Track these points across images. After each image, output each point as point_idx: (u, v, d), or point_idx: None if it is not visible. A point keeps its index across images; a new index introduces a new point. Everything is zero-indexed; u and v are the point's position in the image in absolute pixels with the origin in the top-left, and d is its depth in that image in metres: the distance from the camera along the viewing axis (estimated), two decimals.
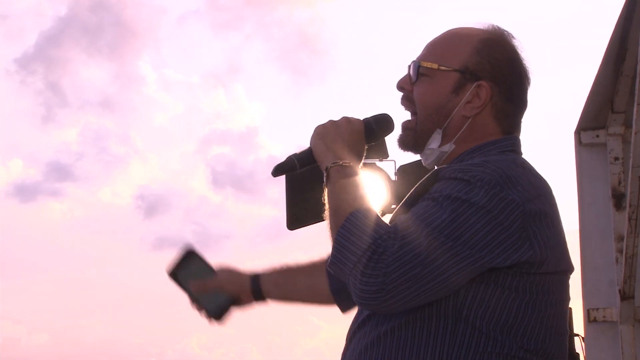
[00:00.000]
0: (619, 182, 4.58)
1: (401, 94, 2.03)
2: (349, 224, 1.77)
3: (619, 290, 4.48)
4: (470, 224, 1.69)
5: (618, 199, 4.58)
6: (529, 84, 1.98)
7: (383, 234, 1.71)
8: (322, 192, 1.95)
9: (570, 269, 1.88)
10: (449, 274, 1.69)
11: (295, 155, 2.06)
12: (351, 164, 1.92)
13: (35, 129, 19.58)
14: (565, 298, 1.87)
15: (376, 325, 1.82)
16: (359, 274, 1.70)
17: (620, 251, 4.50)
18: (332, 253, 1.78)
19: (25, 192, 18.47)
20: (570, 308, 5.35)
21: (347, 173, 1.90)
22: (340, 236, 1.76)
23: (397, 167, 4.45)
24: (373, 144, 2.07)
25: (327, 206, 1.88)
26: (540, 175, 1.87)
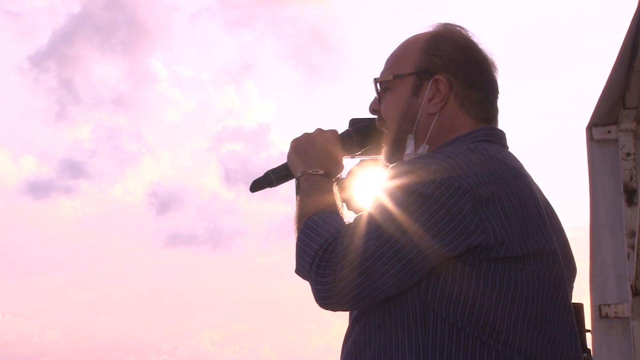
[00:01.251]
0: (631, 178, 4.57)
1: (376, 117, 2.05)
2: (306, 228, 1.80)
3: (631, 286, 4.47)
4: (418, 214, 1.69)
5: (630, 195, 4.57)
6: (493, 67, 1.98)
7: (334, 233, 1.74)
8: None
9: (545, 251, 1.79)
10: (401, 266, 1.69)
11: (272, 170, 2.09)
12: (321, 172, 1.96)
13: (49, 126, 19.66)
14: (544, 288, 1.79)
15: (359, 330, 1.83)
16: (313, 274, 1.73)
17: (632, 247, 4.49)
18: (295, 258, 1.81)
19: (38, 189, 18.55)
20: (582, 304, 5.36)
21: (316, 181, 1.94)
22: (299, 240, 1.81)
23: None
24: (367, 148, 2.09)
25: (295, 213, 1.91)
26: (505, 161, 1.83)
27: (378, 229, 1.70)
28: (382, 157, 2.07)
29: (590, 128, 4.78)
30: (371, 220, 1.72)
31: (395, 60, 2.00)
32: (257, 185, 2.09)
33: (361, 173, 2.20)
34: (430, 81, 1.93)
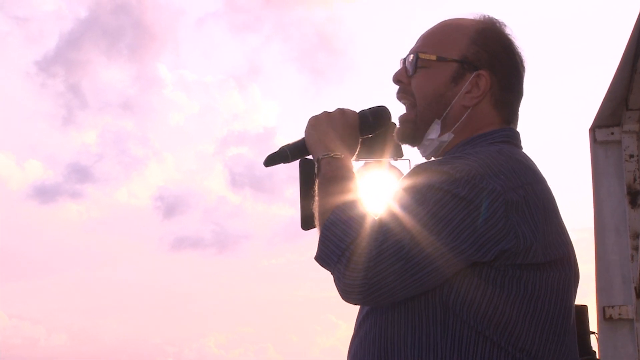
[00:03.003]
0: (634, 180, 4.58)
1: (397, 87, 2.01)
2: (334, 217, 1.77)
3: (635, 288, 4.47)
4: (452, 216, 1.67)
5: (633, 197, 4.57)
6: (524, 72, 1.98)
7: (366, 228, 1.72)
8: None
9: (564, 258, 1.80)
10: (432, 268, 1.67)
11: (287, 145, 2.06)
12: (342, 156, 1.93)
13: (56, 130, 19.69)
14: (562, 296, 1.80)
15: (374, 321, 1.82)
16: (342, 268, 1.70)
17: (635, 248, 4.49)
18: (318, 246, 1.78)
19: (45, 193, 18.58)
20: (586, 306, 5.36)
21: (338, 166, 1.91)
22: (325, 229, 1.77)
23: (411, 166, 4.49)
24: (371, 136, 2.06)
25: (316, 198, 1.89)
26: (530, 165, 1.84)
27: (411, 229, 1.68)
28: (387, 159, 2.06)
29: (593, 129, 4.78)
30: (404, 219, 1.70)
31: (439, 41, 1.96)
32: (272, 159, 2.07)
33: (366, 174, 2.21)
34: (473, 74, 1.91)
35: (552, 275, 1.77)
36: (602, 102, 4.59)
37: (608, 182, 4.74)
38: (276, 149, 2.07)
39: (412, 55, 1.97)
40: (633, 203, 4.57)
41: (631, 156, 4.61)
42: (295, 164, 2.11)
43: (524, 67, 1.98)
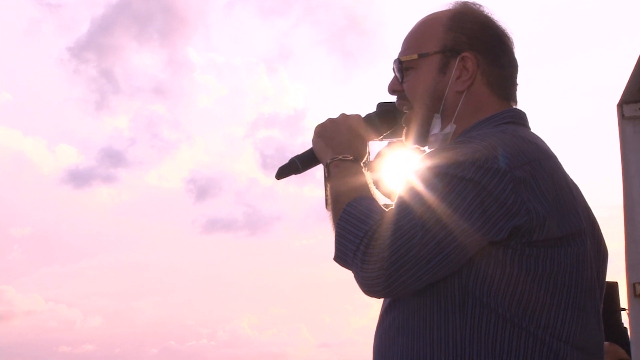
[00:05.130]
0: None
1: (395, 97, 2.04)
2: (346, 215, 1.79)
3: None
4: (461, 199, 1.69)
5: None
6: (511, 43, 1.99)
7: (378, 220, 1.73)
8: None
9: (580, 232, 1.79)
10: (448, 251, 1.69)
11: (297, 156, 2.08)
12: (350, 157, 1.96)
13: (89, 115, 19.86)
14: (581, 270, 1.79)
15: (396, 312, 1.83)
16: (358, 262, 1.72)
17: None
18: (334, 246, 1.80)
19: (78, 178, 18.76)
20: (616, 282, 5.36)
21: (346, 167, 1.94)
22: (339, 228, 1.80)
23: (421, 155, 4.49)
24: (391, 131, 2.09)
25: (329, 200, 1.91)
26: (536, 142, 1.84)
27: (422, 216, 1.69)
28: (404, 139, 2.08)
29: (621, 105, 4.75)
30: (414, 207, 1.71)
31: (417, 40, 1.99)
32: (283, 172, 2.09)
33: (390, 154, 2.22)
34: (457, 59, 1.93)
35: (570, 250, 1.77)
36: (630, 77, 4.57)
37: (636, 157, 4.71)
38: (286, 160, 2.09)
39: (396, 62, 2.00)
40: None
41: None
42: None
43: (509, 39, 1.99)
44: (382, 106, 2.12)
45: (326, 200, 2.04)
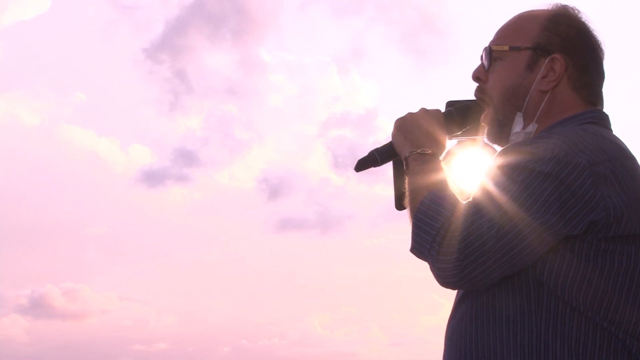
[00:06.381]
0: None
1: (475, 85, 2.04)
2: (423, 207, 1.80)
3: None
4: (539, 192, 1.69)
5: None
6: (602, 54, 1.98)
7: (455, 212, 1.74)
8: None
9: None
10: (525, 244, 1.69)
11: (376, 149, 2.10)
12: (429, 151, 1.97)
13: (163, 116, 20.15)
14: None
15: (470, 303, 1.84)
16: (435, 253, 1.73)
17: None
18: (411, 237, 1.82)
19: (152, 178, 19.05)
20: None
21: (425, 160, 1.95)
22: (416, 219, 1.81)
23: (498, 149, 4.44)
24: (467, 129, 2.09)
25: (407, 193, 1.92)
26: (617, 142, 1.84)
27: (499, 210, 1.70)
28: (481, 137, 2.08)
29: None
30: (491, 200, 1.72)
31: (512, 32, 2.00)
32: (362, 164, 2.11)
33: (460, 153, 2.21)
34: (547, 59, 1.93)
35: None
36: None
37: None
38: (365, 154, 2.11)
39: (486, 49, 2.00)
40: None
41: None
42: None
43: (601, 49, 1.98)
44: (454, 103, 2.12)
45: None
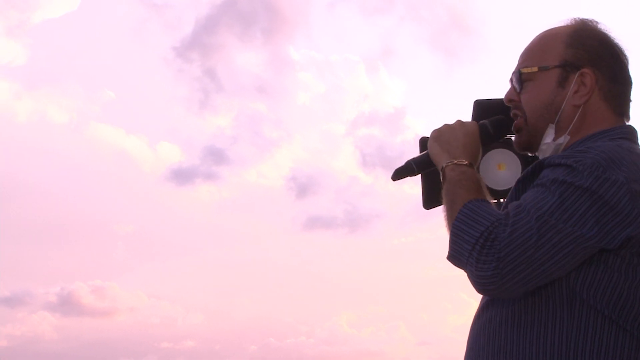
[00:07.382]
0: None
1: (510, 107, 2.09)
2: (462, 216, 1.84)
3: None
4: (577, 206, 1.74)
5: None
6: (627, 60, 2.03)
7: (494, 221, 1.77)
8: None
9: None
10: (561, 255, 1.73)
11: (413, 159, 2.16)
12: (465, 162, 2.01)
13: (193, 114, 20.23)
14: None
15: (496, 310, 1.88)
16: (474, 261, 1.76)
17: None
18: (449, 245, 1.85)
19: (182, 176, 19.14)
20: None
21: (462, 170, 1.99)
22: (455, 228, 1.84)
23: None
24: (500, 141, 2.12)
25: (444, 202, 1.96)
26: None
27: (539, 220, 1.74)
28: (513, 149, 2.10)
29: None
30: (530, 211, 1.76)
31: (538, 53, 2.04)
32: (399, 173, 2.17)
33: (494, 164, 2.24)
34: (577, 74, 1.98)
35: None
36: None
37: None
38: (403, 162, 2.17)
39: (516, 73, 2.05)
40: None
41: None
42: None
43: (625, 56, 2.04)
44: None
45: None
